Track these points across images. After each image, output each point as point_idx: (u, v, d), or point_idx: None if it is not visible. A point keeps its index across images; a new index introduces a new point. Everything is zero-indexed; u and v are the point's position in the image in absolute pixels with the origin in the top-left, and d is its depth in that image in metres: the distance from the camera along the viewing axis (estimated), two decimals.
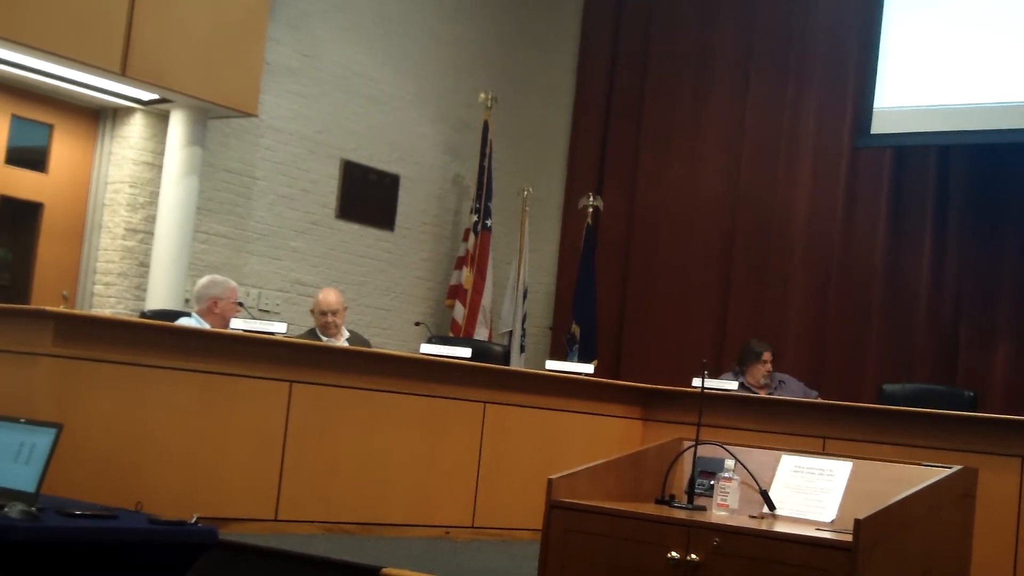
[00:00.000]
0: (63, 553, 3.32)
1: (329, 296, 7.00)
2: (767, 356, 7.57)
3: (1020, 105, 8.20)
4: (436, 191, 9.64)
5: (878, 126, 8.76)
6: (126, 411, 4.80)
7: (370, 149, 9.10)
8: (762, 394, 7.34)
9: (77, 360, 4.66)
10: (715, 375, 7.44)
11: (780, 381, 7.59)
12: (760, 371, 7.53)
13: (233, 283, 6.49)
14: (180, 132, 7.60)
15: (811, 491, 3.91)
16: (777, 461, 4.07)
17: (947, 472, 3.79)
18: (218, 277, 6.53)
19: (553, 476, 3.87)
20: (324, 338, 6.82)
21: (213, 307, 6.29)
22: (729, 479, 3.92)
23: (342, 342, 6.81)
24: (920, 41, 8.70)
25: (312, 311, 7.08)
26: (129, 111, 7.71)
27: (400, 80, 9.31)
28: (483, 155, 9.43)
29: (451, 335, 9.00)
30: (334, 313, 6.94)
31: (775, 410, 6.28)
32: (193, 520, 3.63)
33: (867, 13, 9.03)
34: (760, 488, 3.95)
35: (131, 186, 7.67)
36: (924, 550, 3.67)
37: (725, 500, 3.90)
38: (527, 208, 9.87)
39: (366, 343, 7.08)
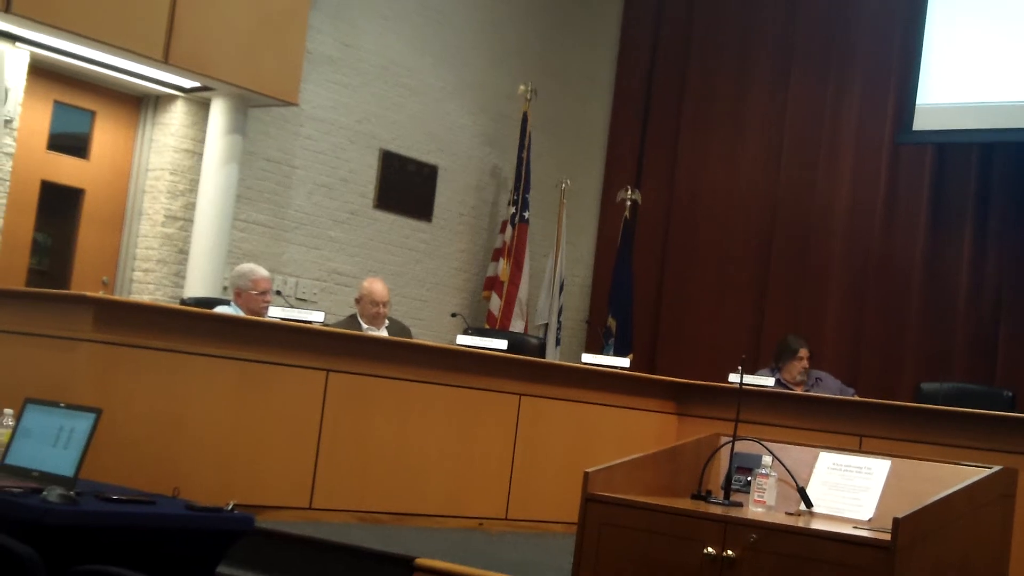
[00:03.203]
0: (101, 537, 3.35)
1: (378, 287, 6.92)
2: (803, 353, 7.52)
3: None
4: (474, 182, 9.64)
5: (920, 122, 8.69)
6: (164, 397, 4.83)
7: (409, 140, 9.11)
8: (798, 391, 7.30)
9: (116, 346, 4.70)
10: (751, 371, 7.40)
11: (817, 378, 7.54)
12: (796, 368, 7.48)
13: (262, 274, 6.36)
14: (221, 120, 7.63)
15: (849, 489, 3.88)
16: (814, 458, 4.05)
17: (986, 472, 3.76)
18: (246, 267, 6.42)
19: (589, 469, 3.85)
20: (365, 326, 6.81)
21: (236, 297, 6.30)
22: (766, 475, 3.89)
23: (382, 331, 6.80)
24: (964, 38, 8.62)
25: (358, 300, 6.98)
26: (170, 98, 7.75)
27: (440, 71, 9.31)
28: (521, 147, 9.42)
29: (487, 327, 9.00)
30: (384, 304, 6.90)
31: (812, 407, 6.25)
32: (229, 507, 3.65)
33: (911, 8, 8.95)
34: (798, 485, 3.92)
35: (171, 173, 7.70)
36: (963, 550, 3.64)
37: (762, 496, 3.88)
38: (565, 200, 9.85)
39: (406, 330, 7.07)
